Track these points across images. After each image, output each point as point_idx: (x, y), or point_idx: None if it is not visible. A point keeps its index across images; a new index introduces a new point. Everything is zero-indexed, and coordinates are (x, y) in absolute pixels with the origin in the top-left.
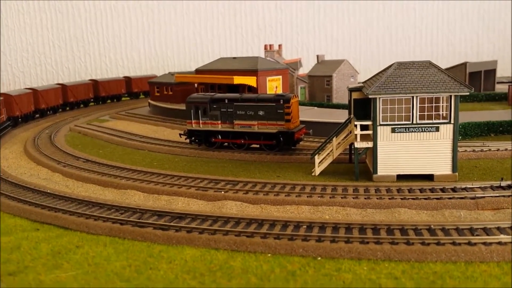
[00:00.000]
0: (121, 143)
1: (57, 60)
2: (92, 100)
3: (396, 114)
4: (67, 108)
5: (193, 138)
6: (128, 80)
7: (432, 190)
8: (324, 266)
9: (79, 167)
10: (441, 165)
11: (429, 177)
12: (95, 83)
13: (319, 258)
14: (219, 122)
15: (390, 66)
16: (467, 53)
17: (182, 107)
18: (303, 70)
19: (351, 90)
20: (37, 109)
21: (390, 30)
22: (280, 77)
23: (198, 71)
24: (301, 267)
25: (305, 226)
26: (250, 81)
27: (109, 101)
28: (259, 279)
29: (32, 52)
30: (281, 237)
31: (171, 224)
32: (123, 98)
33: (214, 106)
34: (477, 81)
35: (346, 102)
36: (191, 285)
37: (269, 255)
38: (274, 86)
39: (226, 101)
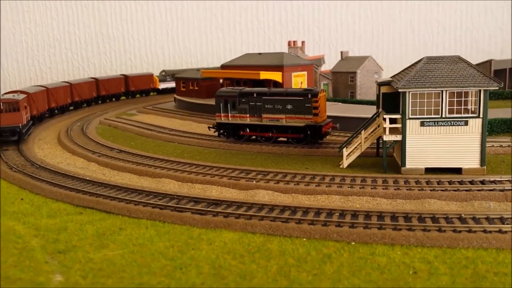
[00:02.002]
0: (151, 135)
1: (83, 56)
2: (123, 94)
3: (425, 108)
4: (99, 102)
5: (221, 131)
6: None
7: (461, 182)
8: (358, 250)
9: (113, 157)
10: (469, 159)
11: (457, 171)
12: (125, 78)
13: (353, 243)
14: (248, 115)
15: (419, 60)
16: (490, 50)
17: (208, 101)
18: (325, 67)
19: (380, 84)
20: (72, 102)
21: (413, 26)
22: (305, 72)
23: (223, 67)
24: (336, 251)
25: (337, 214)
26: (276, 76)
27: (138, 95)
28: (296, 260)
29: (59, 48)
30: (315, 223)
31: (208, 209)
32: (151, 93)
33: (243, 100)
34: (502, 79)
35: (370, 98)
36: (232, 264)
37: (304, 239)
38: (299, 81)
39: (255, 95)
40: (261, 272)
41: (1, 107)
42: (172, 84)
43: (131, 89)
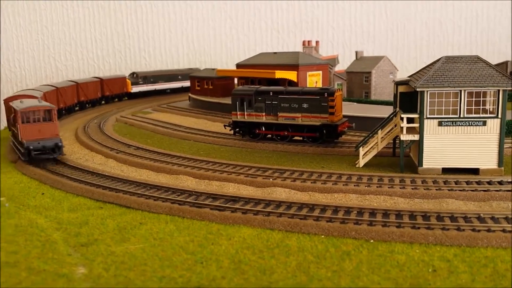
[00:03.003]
0: (167, 133)
1: (98, 54)
2: (99, 99)
3: (443, 108)
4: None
5: (237, 129)
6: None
7: (478, 183)
8: (377, 248)
9: (131, 153)
10: (487, 159)
11: (474, 171)
12: (101, 82)
13: (372, 241)
14: (264, 114)
15: (437, 60)
16: (506, 51)
17: (222, 100)
18: (339, 67)
19: (397, 84)
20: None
21: (429, 27)
22: (320, 72)
23: (238, 66)
24: (355, 248)
25: (355, 212)
26: (291, 75)
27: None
28: (315, 257)
29: (74, 46)
30: (333, 220)
31: (227, 205)
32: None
33: (259, 98)
34: None
35: (385, 98)
36: (251, 259)
37: (323, 236)
38: (314, 81)
39: (271, 94)
40: (280, 267)
41: (40, 115)
42: (145, 88)
43: (106, 93)
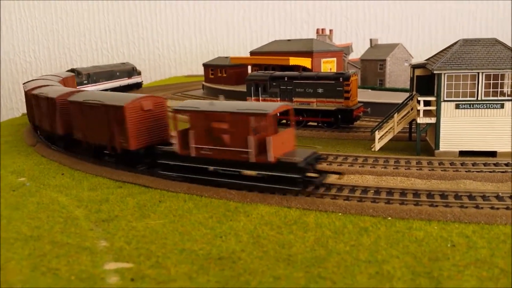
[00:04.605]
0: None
1: (112, 45)
2: None
3: (460, 91)
4: None
5: None
6: None
7: (496, 164)
8: (395, 225)
9: None
10: (504, 142)
11: (492, 154)
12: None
13: (389, 218)
14: (278, 99)
15: (455, 43)
16: None
17: (236, 88)
18: (353, 56)
19: (414, 67)
20: None
21: (444, 15)
22: (335, 59)
23: (252, 53)
24: (372, 225)
25: (372, 191)
26: (305, 62)
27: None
28: (333, 232)
29: (89, 36)
30: (351, 198)
31: (244, 183)
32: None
33: (274, 84)
34: None
35: (399, 86)
36: (270, 234)
37: (340, 214)
38: (328, 67)
39: (286, 79)
40: (299, 242)
41: None
42: (91, 88)
43: None
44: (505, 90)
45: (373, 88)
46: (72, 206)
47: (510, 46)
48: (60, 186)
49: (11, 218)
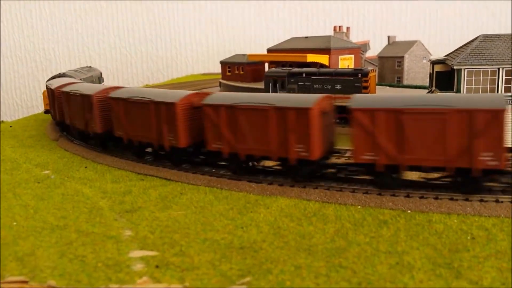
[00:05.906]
0: None
1: (130, 43)
2: None
3: (480, 86)
4: None
5: None
6: None
7: None
8: (414, 218)
9: None
10: None
11: (510, 150)
12: None
13: (409, 211)
14: None
15: (475, 38)
16: None
17: (253, 85)
18: (370, 53)
19: (433, 63)
20: None
21: (462, 12)
22: (352, 56)
23: (269, 51)
24: (392, 217)
25: None
26: (323, 59)
27: None
28: (353, 224)
29: (107, 35)
30: (370, 192)
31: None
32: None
33: (292, 80)
34: None
35: (417, 83)
36: (290, 226)
37: (359, 207)
38: (346, 64)
39: (304, 75)
40: (319, 233)
41: None
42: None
43: None
44: None
45: (391, 85)
46: (96, 198)
47: None
48: (84, 178)
49: (37, 208)
